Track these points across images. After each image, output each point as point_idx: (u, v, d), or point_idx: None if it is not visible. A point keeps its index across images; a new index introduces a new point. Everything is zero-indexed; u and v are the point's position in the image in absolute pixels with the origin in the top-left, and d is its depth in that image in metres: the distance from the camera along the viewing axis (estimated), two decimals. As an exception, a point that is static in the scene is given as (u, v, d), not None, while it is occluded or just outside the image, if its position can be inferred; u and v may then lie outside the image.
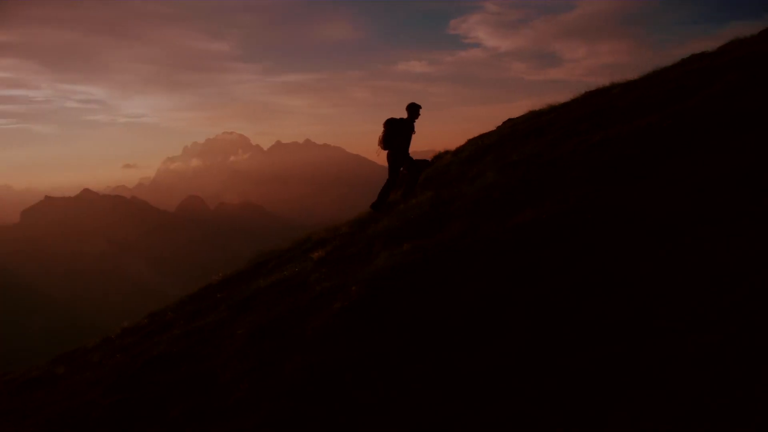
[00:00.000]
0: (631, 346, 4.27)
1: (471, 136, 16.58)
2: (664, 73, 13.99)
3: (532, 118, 14.59)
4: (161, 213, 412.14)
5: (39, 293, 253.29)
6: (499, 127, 15.87)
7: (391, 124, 12.45)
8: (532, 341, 4.96)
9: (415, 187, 12.66)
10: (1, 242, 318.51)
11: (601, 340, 4.54)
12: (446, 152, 15.83)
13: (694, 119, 9.28)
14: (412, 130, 12.54)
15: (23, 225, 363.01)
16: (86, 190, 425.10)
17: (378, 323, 6.39)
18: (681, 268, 5.10)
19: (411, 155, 12.70)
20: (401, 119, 12.54)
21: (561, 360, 4.53)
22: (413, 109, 12.62)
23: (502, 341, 5.17)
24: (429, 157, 15.08)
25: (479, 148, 13.72)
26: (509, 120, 16.07)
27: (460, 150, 15.41)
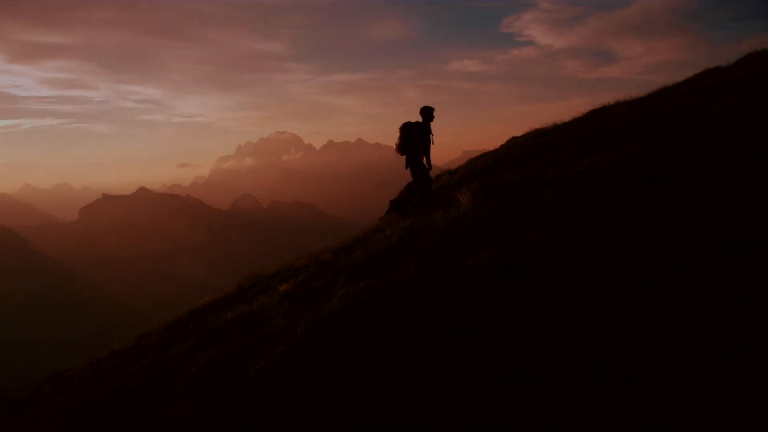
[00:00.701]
0: (556, 408, 4.16)
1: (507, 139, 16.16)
2: (672, 90, 13.56)
3: (532, 138, 14.28)
4: (214, 211, 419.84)
5: (95, 289, 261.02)
6: (502, 146, 15.61)
7: (407, 129, 12.28)
8: (460, 398, 4.84)
9: (427, 199, 12.45)
10: (60, 239, 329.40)
11: (529, 399, 4.42)
12: (445, 173, 15.68)
13: (682, 147, 8.96)
14: (429, 133, 12.35)
15: (81, 222, 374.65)
16: (142, 189, 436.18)
17: (315, 369, 6.34)
18: (627, 322, 4.92)
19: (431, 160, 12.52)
20: (417, 123, 12.35)
21: (485, 418, 4.45)
22: (427, 112, 12.40)
23: (430, 396, 5.07)
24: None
25: (472, 171, 13.50)
26: (513, 138, 15.82)
27: (455, 171, 15.21)
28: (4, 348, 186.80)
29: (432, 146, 12.42)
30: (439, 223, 9.05)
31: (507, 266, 6.81)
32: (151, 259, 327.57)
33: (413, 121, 12.39)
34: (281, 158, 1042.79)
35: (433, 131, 12.40)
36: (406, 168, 12.50)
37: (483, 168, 13.19)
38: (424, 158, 12.37)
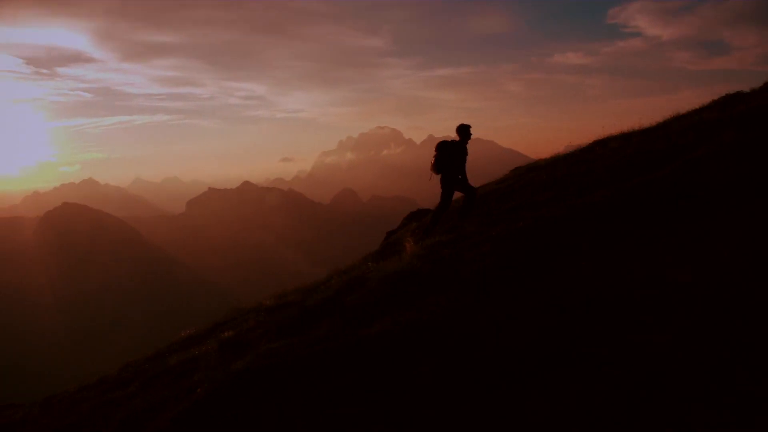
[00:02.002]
0: None
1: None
2: (677, 121, 12.85)
3: (528, 171, 13.92)
4: (316, 205, 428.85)
5: (201, 279, 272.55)
6: (502, 177, 15.28)
7: (442, 148, 12.09)
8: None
9: (471, 209, 12.22)
10: (167, 231, 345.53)
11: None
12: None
13: (646, 197, 8.68)
14: (465, 152, 12.11)
15: (188, 215, 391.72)
16: (246, 183, 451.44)
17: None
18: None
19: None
20: (453, 142, 12.15)
21: None
22: (464, 131, 12.11)
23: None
24: None
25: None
26: (517, 168, 15.38)
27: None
28: (114, 334, 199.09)
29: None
30: (375, 276, 9.03)
31: (401, 338, 6.75)
32: (253, 250, 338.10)
33: (449, 140, 12.16)
34: (381, 153, 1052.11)
35: (468, 151, 12.11)
36: (441, 186, 12.25)
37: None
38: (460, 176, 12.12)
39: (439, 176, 12.10)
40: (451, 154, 12.02)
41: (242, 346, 8.83)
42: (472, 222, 10.74)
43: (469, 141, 12.10)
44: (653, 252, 6.81)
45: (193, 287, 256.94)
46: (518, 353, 5.61)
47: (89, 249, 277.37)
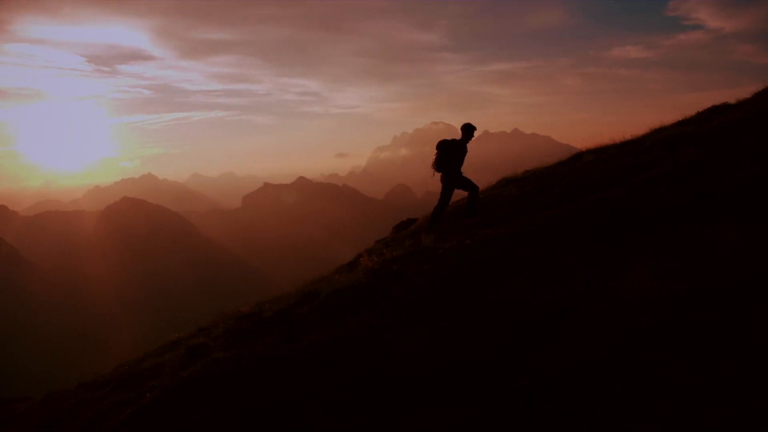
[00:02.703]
0: None
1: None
2: (655, 134, 12.95)
3: (507, 183, 14.18)
4: (370, 200, 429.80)
5: (256, 273, 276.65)
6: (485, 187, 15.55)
7: (443, 147, 12.46)
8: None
9: (476, 204, 12.68)
10: (223, 225, 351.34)
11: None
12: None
13: (592, 217, 8.88)
14: (465, 151, 12.46)
15: (244, 209, 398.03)
16: (301, 178, 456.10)
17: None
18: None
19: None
20: (454, 140, 12.49)
21: None
22: (467, 130, 12.45)
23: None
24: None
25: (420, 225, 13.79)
26: (501, 180, 15.58)
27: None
28: (172, 328, 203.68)
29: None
30: (324, 293, 9.52)
31: (316, 356, 7.25)
32: (307, 245, 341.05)
33: (449, 139, 12.57)
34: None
35: (469, 149, 12.51)
36: (442, 183, 12.68)
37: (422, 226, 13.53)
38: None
39: (440, 174, 12.48)
40: (452, 153, 12.37)
41: (204, 352, 9.41)
42: (429, 237, 11.10)
43: (470, 140, 12.45)
44: (565, 279, 7.08)
45: (247, 282, 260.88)
46: (415, 374, 6.06)
47: (147, 242, 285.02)
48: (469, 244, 9.30)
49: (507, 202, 11.68)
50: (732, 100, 13.62)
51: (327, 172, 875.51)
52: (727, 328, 4.82)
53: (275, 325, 9.10)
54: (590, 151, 13.65)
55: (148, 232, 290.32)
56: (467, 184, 12.51)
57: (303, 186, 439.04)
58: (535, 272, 7.51)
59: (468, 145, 12.46)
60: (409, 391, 5.70)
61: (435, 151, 12.45)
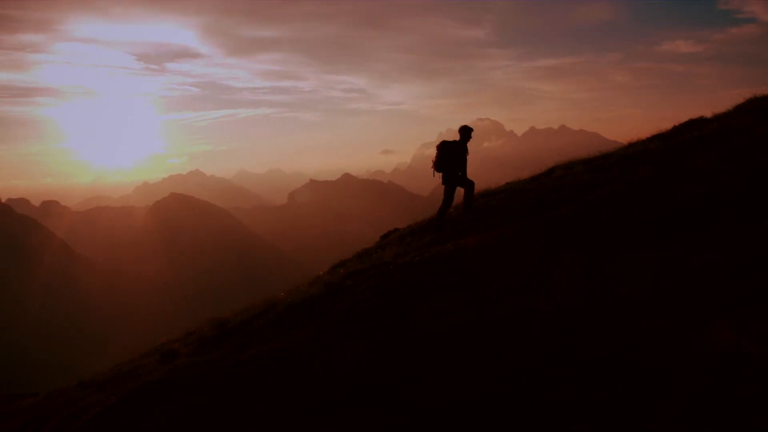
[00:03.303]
0: None
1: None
2: (624, 150, 13.27)
3: (481, 197, 14.57)
4: (415, 197, 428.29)
5: (296, 268, 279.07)
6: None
7: (443, 148, 12.86)
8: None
9: (471, 204, 13.20)
10: (269, 221, 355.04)
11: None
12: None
13: (536, 236, 9.33)
14: (465, 152, 12.81)
15: (290, 205, 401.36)
16: (347, 175, 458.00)
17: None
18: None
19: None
20: (453, 142, 12.89)
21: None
22: (465, 132, 12.84)
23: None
24: None
25: (401, 234, 14.27)
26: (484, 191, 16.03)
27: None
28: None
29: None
30: (281, 304, 10.21)
31: (260, 364, 7.93)
32: (353, 242, 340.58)
33: (449, 140, 13.00)
34: (482, 145, 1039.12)
35: (469, 150, 12.83)
36: (443, 184, 13.02)
37: (404, 235, 14.08)
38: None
39: (440, 174, 12.89)
40: (452, 154, 12.74)
41: (174, 357, 10.18)
42: (392, 251, 11.65)
43: (468, 141, 12.79)
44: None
45: (291, 278, 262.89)
46: (340, 383, 6.72)
47: (194, 237, 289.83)
48: (417, 261, 9.84)
49: (474, 216, 12.16)
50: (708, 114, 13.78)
51: (372, 169, 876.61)
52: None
53: (234, 334, 9.82)
54: (560, 167, 14.02)
55: (195, 228, 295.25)
56: (465, 182, 12.95)
57: (349, 183, 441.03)
58: (461, 293, 8.04)
59: (468, 145, 12.82)
60: (325, 397, 6.37)
61: (435, 151, 12.90)
